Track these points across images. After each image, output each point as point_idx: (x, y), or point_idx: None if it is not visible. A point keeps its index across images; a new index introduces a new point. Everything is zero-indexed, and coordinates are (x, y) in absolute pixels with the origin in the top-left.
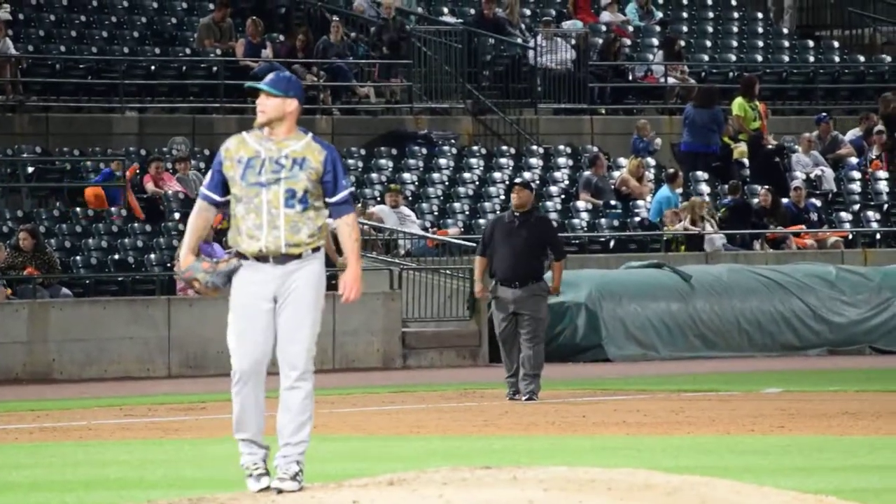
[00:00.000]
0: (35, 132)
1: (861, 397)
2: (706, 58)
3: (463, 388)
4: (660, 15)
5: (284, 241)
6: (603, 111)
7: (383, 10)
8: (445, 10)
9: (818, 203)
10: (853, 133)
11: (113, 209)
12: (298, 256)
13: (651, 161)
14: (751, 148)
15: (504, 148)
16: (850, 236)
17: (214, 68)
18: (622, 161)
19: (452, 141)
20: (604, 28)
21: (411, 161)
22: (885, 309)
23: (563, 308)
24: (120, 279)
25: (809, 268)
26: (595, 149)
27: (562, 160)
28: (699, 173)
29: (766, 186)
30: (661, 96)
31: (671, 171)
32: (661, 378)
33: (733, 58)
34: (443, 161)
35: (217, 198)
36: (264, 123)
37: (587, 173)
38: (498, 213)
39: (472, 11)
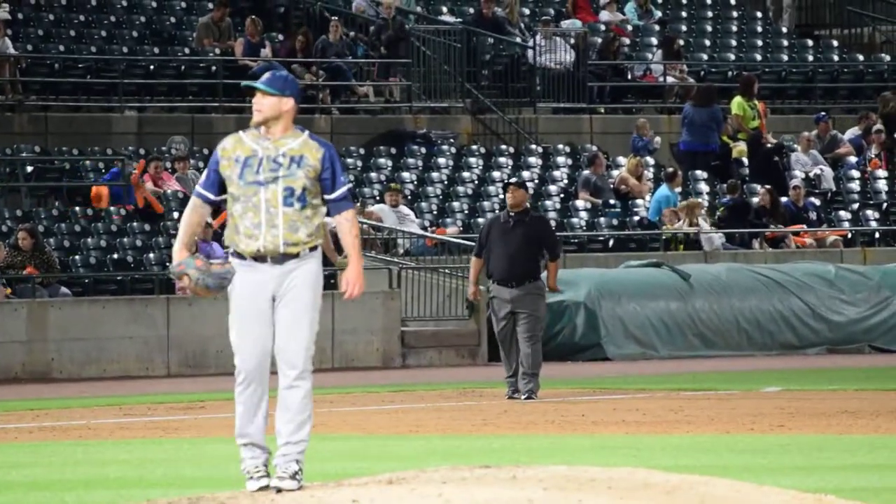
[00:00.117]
0: (34, 132)
1: (860, 396)
2: (705, 57)
3: (462, 388)
4: (659, 14)
5: (283, 240)
6: (602, 110)
7: (383, 10)
8: (444, 9)
9: (817, 202)
10: (852, 132)
11: (112, 208)
12: (296, 256)
13: (650, 160)
14: (750, 147)
15: (503, 147)
16: (850, 235)
17: (213, 68)
18: (621, 160)
19: (451, 140)
20: (603, 27)
21: (410, 160)
22: (885, 308)
23: (563, 307)
24: (119, 278)
25: (808, 267)
26: (594, 148)
27: (561, 159)
28: (698, 172)
29: (767, 186)
30: (660, 95)
31: (670, 170)
32: (661, 377)
33: (732, 57)
34: (442, 160)
35: (211, 196)
36: (260, 122)
37: (586, 172)
38: (497, 212)
39: (471, 11)
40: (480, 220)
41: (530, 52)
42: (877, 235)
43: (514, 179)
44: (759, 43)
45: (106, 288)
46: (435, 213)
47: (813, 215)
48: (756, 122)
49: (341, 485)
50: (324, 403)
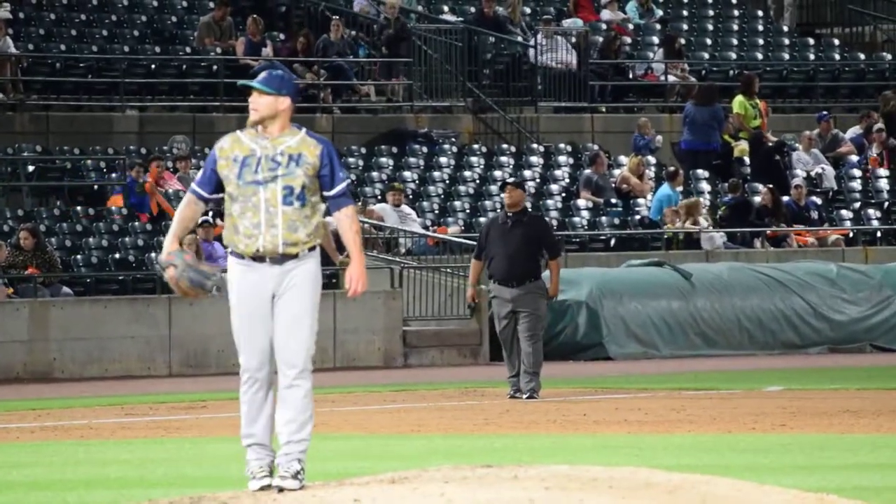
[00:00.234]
0: (35, 131)
1: (862, 395)
2: (706, 56)
3: (464, 387)
4: (660, 13)
5: (282, 240)
6: (603, 109)
7: (387, 11)
8: (446, 8)
9: (819, 201)
10: (853, 131)
11: (115, 208)
12: (295, 256)
13: (651, 159)
14: (751, 146)
15: (504, 146)
16: (851, 234)
17: (215, 67)
18: (623, 159)
19: (453, 139)
20: (604, 26)
21: (412, 159)
22: (886, 307)
23: (564, 306)
24: (120, 278)
25: (810, 266)
26: (595, 147)
27: (562, 158)
28: (700, 171)
29: (769, 186)
30: (661, 94)
31: (672, 169)
32: (662, 376)
33: (733, 56)
34: (443, 159)
35: (205, 194)
36: (257, 121)
37: (588, 171)
38: (498, 211)
39: (473, 10)
40: (482, 219)
41: (532, 51)
42: (878, 234)
43: (510, 179)
44: (761, 42)
45: (107, 287)
46: (436, 212)
47: (814, 214)
48: (757, 121)
49: (343, 484)
50: (326, 403)
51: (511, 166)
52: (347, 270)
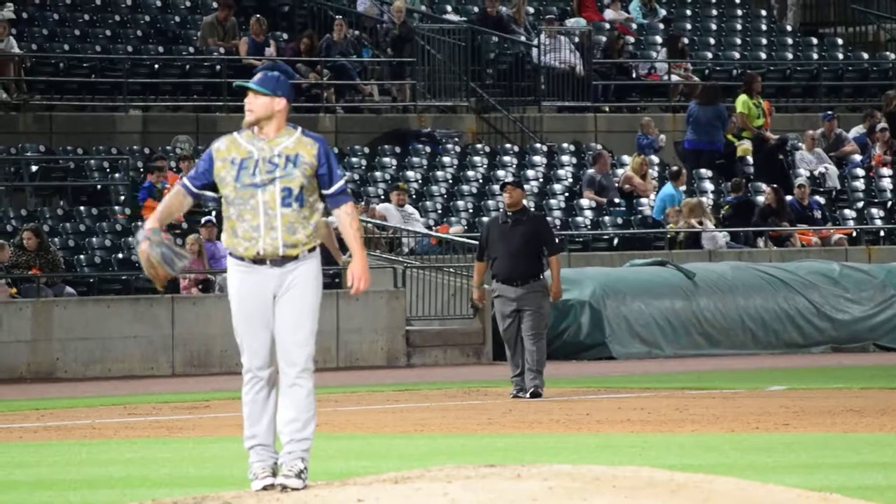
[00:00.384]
0: (39, 131)
1: (865, 394)
2: (710, 55)
3: (467, 387)
4: (663, 12)
5: (282, 242)
6: (606, 109)
7: (394, 14)
8: (449, 8)
9: (822, 200)
10: (857, 130)
11: (118, 207)
12: (295, 258)
13: (655, 159)
14: (755, 145)
15: (508, 146)
16: (854, 233)
17: (218, 67)
18: (626, 159)
19: (456, 139)
20: (607, 26)
21: (415, 159)
22: (890, 306)
23: (568, 306)
24: (124, 278)
25: (813, 265)
26: (599, 146)
27: (565, 158)
28: (703, 171)
29: (773, 185)
30: (664, 94)
31: (675, 168)
32: (665, 376)
33: (737, 55)
34: (446, 159)
35: (194, 189)
36: (253, 122)
37: (591, 171)
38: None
39: (476, 10)
40: (485, 218)
41: (535, 51)
42: (881, 234)
43: (510, 179)
44: (764, 41)
45: (111, 287)
46: (440, 211)
47: (818, 214)
48: (761, 121)
49: (346, 484)
50: (329, 402)
51: (514, 166)
52: (350, 268)
